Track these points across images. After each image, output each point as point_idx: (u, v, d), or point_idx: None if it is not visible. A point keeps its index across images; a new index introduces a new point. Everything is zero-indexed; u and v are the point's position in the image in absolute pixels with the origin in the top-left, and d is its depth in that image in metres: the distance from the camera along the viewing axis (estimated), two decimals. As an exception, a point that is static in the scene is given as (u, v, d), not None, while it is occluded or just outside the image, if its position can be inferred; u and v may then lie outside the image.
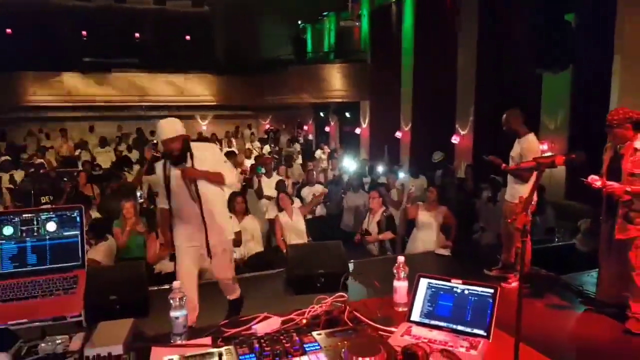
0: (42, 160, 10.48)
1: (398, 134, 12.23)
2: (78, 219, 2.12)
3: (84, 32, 16.67)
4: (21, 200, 6.68)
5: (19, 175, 8.77)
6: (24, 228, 2.12)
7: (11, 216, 2.14)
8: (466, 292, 1.92)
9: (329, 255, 4.65)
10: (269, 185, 7.14)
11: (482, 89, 9.37)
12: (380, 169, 9.84)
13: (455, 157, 10.22)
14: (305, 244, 5.48)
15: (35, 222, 2.13)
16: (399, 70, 12.11)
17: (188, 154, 3.33)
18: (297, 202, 6.24)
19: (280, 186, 6.71)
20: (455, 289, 1.94)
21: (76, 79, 14.96)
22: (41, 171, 8.91)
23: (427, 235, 5.48)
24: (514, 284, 4.05)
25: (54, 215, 2.14)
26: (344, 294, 2.06)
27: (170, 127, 3.30)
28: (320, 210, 7.25)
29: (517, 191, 4.09)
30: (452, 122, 10.27)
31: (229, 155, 9.96)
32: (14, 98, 14.69)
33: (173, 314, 1.85)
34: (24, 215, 2.13)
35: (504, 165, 4.26)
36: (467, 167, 8.62)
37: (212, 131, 15.34)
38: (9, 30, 16.06)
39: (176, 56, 16.17)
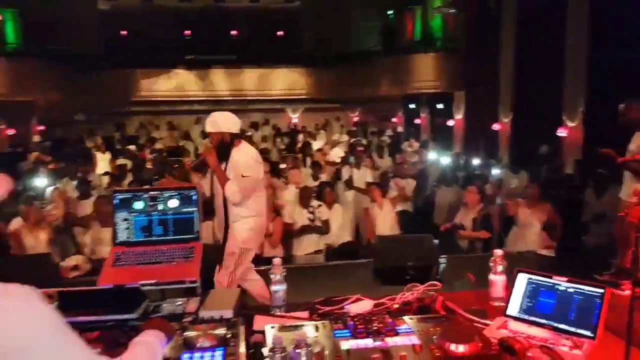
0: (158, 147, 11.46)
1: (496, 126, 11.67)
2: (195, 197, 2.35)
3: (187, 32, 17.86)
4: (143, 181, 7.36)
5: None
6: (151, 204, 2.46)
7: (141, 193, 2.48)
8: (570, 290, 1.82)
9: (419, 248, 4.60)
10: (359, 177, 7.20)
11: (595, 77, 8.58)
12: (475, 162, 9.47)
13: (562, 151, 9.52)
14: (394, 235, 5.47)
15: (160, 199, 2.45)
16: (498, 58, 11.53)
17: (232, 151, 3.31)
18: (391, 193, 6.24)
19: (382, 178, 6.73)
20: (557, 287, 1.84)
21: (181, 75, 16.10)
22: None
23: (527, 234, 5.19)
24: (627, 292, 3.70)
25: (175, 193, 2.46)
26: (436, 282, 2.05)
27: (210, 122, 3.33)
28: (409, 205, 7.15)
29: (635, 188, 3.71)
30: (559, 113, 9.53)
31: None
32: (129, 93, 16.17)
33: (273, 287, 1.96)
34: (151, 193, 2.47)
35: (620, 158, 3.87)
36: (575, 163, 8.00)
37: (302, 123, 15.73)
38: (124, 32, 17.64)
39: (269, 51, 16.73)
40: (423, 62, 14.00)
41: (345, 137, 12.60)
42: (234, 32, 18.08)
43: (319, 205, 5.62)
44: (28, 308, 0.96)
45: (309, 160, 8.80)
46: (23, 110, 14.51)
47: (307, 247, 5.53)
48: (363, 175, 7.25)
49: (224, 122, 3.33)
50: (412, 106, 16.30)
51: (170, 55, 16.23)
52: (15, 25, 15.28)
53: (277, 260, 2.00)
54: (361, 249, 5.88)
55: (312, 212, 5.52)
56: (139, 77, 16.38)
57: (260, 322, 1.81)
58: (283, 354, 1.39)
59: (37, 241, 5.15)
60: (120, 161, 9.56)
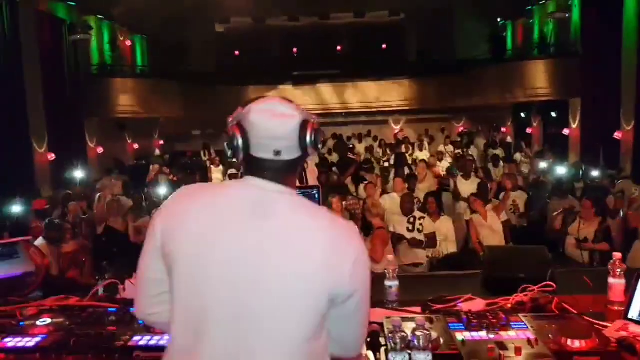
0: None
1: (617, 135, 10.78)
2: (317, 196, 2.52)
3: (294, 49, 18.76)
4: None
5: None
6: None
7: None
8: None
9: (531, 260, 4.45)
10: (467, 187, 7.10)
11: None
12: (595, 173, 8.84)
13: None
14: (504, 246, 5.33)
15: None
16: (619, 63, 10.67)
17: None
18: (490, 205, 6.07)
19: (482, 189, 6.58)
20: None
21: (288, 90, 16.92)
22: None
23: (652, 248, 4.81)
24: None
25: (300, 192, 2.67)
26: (552, 283, 2.06)
27: None
28: (519, 219, 6.88)
29: None
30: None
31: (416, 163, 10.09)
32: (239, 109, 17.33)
33: (387, 283, 2.12)
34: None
35: None
36: None
37: (405, 134, 15.70)
38: (236, 52, 19.00)
39: (373, 65, 16.99)
40: (535, 68, 13.33)
41: (451, 148, 12.39)
42: (338, 48, 18.66)
43: (421, 217, 5.59)
44: (354, 254, 1.18)
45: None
46: (147, 127, 16.23)
47: (404, 257, 5.35)
48: (472, 186, 7.14)
49: None
50: (522, 115, 15.56)
51: (279, 71, 17.14)
52: (143, 49, 17.15)
53: (390, 257, 2.15)
54: (467, 260, 5.79)
55: (412, 222, 5.51)
56: (249, 93, 17.50)
57: (377, 313, 1.96)
58: (402, 335, 1.53)
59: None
60: (232, 171, 10.34)
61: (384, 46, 18.40)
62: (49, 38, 11.81)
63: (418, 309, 2.04)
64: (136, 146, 15.98)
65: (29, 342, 1.69)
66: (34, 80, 11.19)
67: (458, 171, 8.33)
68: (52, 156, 11.71)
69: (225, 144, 1.26)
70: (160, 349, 1.63)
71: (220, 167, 11.54)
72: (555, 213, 5.67)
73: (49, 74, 11.58)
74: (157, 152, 16.86)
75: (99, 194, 7.59)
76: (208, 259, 1.14)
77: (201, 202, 1.21)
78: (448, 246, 5.80)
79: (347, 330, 1.23)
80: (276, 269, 1.13)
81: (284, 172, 1.22)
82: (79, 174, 10.73)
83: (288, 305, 1.12)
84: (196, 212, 1.18)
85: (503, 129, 16.24)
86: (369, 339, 1.72)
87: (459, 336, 1.69)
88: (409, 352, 1.52)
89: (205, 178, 9.73)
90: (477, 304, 2.04)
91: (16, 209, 7.46)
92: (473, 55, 15.85)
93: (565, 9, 11.77)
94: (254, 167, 1.22)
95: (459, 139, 14.38)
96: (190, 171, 10.98)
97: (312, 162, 4.29)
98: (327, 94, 16.53)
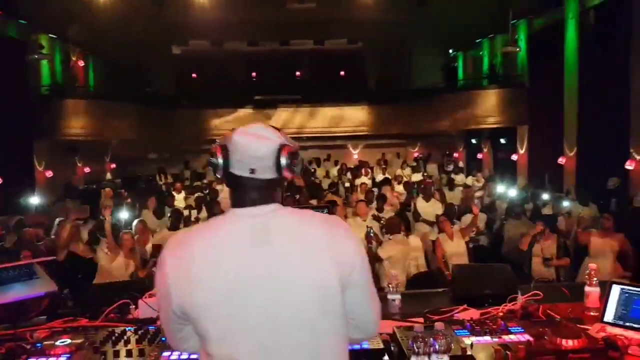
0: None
1: (561, 160, 11.58)
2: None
3: (253, 73, 18.96)
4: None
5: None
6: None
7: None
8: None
9: (497, 277, 4.73)
10: (428, 208, 7.42)
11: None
12: (544, 196, 9.44)
13: (630, 184, 9.37)
14: (471, 264, 5.59)
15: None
16: (561, 93, 11.56)
17: None
18: (456, 226, 6.39)
19: (449, 210, 6.89)
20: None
21: (248, 114, 17.00)
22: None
23: (601, 263, 5.22)
24: None
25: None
26: (539, 292, 2.28)
27: None
28: (480, 238, 7.26)
29: None
30: (626, 146, 9.46)
31: (384, 182, 10.53)
32: (199, 132, 17.20)
33: (390, 296, 2.27)
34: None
35: None
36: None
37: (363, 159, 16.11)
38: (194, 75, 18.96)
39: (332, 91, 17.42)
40: (485, 97, 14.15)
41: (408, 171, 12.84)
42: (298, 73, 19.02)
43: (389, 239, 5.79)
44: (352, 235, 1.34)
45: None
46: (98, 149, 15.78)
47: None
48: (432, 208, 7.46)
49: None
50: (473, 141, 16.35)
51: (238, 95, 17.21)
52: (97, 70, 16.77)
53: (394, 272, 2.30)
54: (437, 279, 6.05)
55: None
56: (208, 116, 17.41)
57: (384, 325, 2.09)
58: (425, 340, 1.69)
59: (126, 268, 5.65)
60: (193, 198, 10.23)
61: (342, 73, 18.95)
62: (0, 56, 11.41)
63: (421, 320, 2.19)
64: (87, 169, 15.47)
65: (54, 361, 1.72)
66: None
67: (418, 193, 8.70)
68: (-1, 180, 11.20)
69: (208, 161, 1.38)
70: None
71: (182, 192, 11.39)
72: (525, 235, 6.01)
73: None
74: (109, 175, 16.40)
75: (58, 219, 7.33)
76: (224, 300, 1.24)
77: (202, 251, 1.27)
78: (418, 265, 6.03)
79: (363, 311, 1.35)
80: (286, 285, 1.24)
81: (262, 193, 1.31)
82: (30, 198, 10.28)
83: (307, 314, 1.25)
84: (199, 264, 1.25)
85: (455, 154, 17.00)
86: (392, 348, 1.85)
87: (467, 340, 1.87)
88: (428, 356, 1.68)
89: (162, 201, 9.48)
90: (472, 314, 2.23)
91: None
92: (428, 83, 16.61)
93: (513, 43, 12.62)
94: (234, 184, 1.34)
95: (414, 164, 14.92)
96: (147, 195, 10.80)
97: None
98: (287, 119, 16.75)
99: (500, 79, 14.86)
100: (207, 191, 10.71)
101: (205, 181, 13.75)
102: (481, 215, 7.48)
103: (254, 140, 1.31)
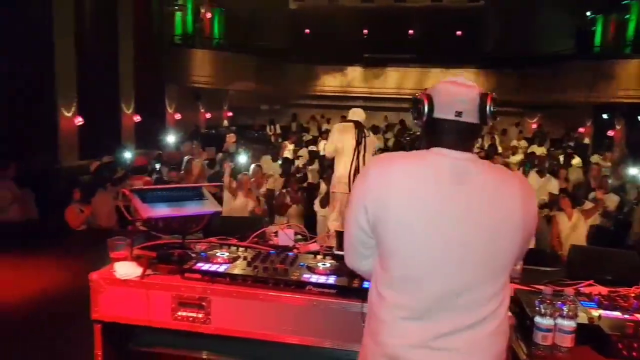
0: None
1: None
2: None
3: (365, 31, 18.75)
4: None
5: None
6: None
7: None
8: None
9: (621, 263, 4.42)
10: (539, 185, 7.14)
11: None
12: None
13: None
14: (591, 247, 5.34)
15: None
16: None
17: None
18: (586, 205, 6.09)
19: (577, 191, 6.62)
20: None
21: (357, 72, 17.03)
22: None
23: None
24: None
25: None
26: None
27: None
28: (605, 220, 6.81)
29: None
30: None
31: (490, 151, 10.07)
32: (306, 87, 17.67)
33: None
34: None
35: None
36: None
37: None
38: (307, 30, 19.22)
39: (446, 52, 16.71)
40: (626, 68, 12.56)
41: (524, 143, 12.21)
42: (410, 32, 18.44)
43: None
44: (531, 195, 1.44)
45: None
46: (217, 98, 16.89)
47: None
48: (545, 185, 7.17)
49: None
50: (604, 117, 14.87)
51: (348, 53, 17.21)
52: (219, 22, 17.70)
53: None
54: (547, 257, 5.89)
55: None
56: (318, 72, 17.74)
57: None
58: (552, 303, 1.79)
59: (245, 207, 6.22)
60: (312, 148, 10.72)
61: (458, 33, 18.03)
62: (141, 7, 12.54)
63: (542, 287, 2.25)
64: (208, 115, 16.72)
65: (218, 268, 2.11)
66: (127, 47, 11.99)
67: (531, 167, 8.34)
68: (137, 118, 12.57)
69: (412, 108, 1.46)
70: (329, 286, 2.01)
71: (293, 144, 11.92)
72: None
73: (139, 40, 12.34)
74: (225, 122, 17.56)
75: (187, 157, 8.18)
76: (419, 223, 1.34)
77: (406, 174, 1.38)
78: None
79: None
80: (478, 224, 1.34)
81: (463, 137, 1.39)
82: (163, 137, 11.47)
83: (492, 254, 1.36)
84: (401, 182, 1.36)
85: (580, 129, 15.65)
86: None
87: (594, 312, 1.90)
88: (554, 319, 1.78)
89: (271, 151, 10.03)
90: (599, 290, 2.20)
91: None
92: (555, 49, 15.29)
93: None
94: (435, 129, 1.41)
95: (530, 136, 14.07)
96: (258, 144, 11.51)
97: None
98: (396, 79, 16.53)
99: (643, 48, 13.17)
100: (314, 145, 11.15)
101: (310, 135, 14.21)
102: (613, 196, 7.01)
103: (458, 86, 1.40)
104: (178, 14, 14.62)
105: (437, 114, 1.40)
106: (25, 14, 7.60)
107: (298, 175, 7.69)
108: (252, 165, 7.71)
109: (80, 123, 9.82)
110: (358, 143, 4.67)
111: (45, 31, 8.49)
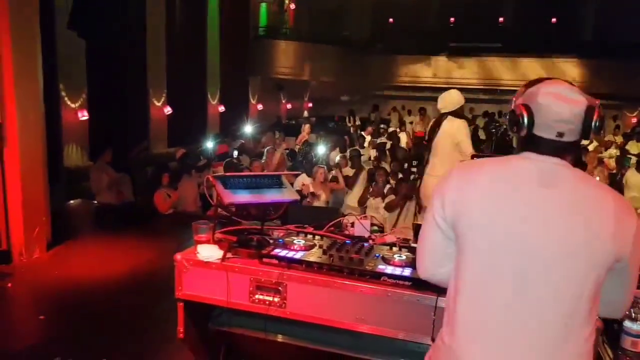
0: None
1: None
2: None
3: (452, 19, 18.15)
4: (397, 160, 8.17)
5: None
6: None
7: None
8: None
9: None
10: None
11: None
12: None
13: None
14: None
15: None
16: None
17: None
18: None
19: None
20: None
21: (442, 62, 16.53)
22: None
23: None
24: None
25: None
26: None
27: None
28: None
29: None
30: None
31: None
32: (388, 78, 17.45)
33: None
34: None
35: None
36: None
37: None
38: (391, 20, 18.94)
39: (539, 40, 15.79)
40: None
41: (620, 139, 11.30)
42: (501, 19, 17.61)
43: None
44: (635, 216, 1.27)
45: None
46: (300, 88, 17.14)
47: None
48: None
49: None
50: None
51: (433, 42, 16.76)
52: (303, 13, 17.88)
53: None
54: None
55: None
56: (400, 63, 17.45)
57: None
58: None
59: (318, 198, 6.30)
60: (381, 139, 10.63)
61: (554, 20, 16.91)
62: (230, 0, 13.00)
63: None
64: (289, 106, 17.04)
65: (295, 254, 2.16)
66: (214, 39, 12.51)
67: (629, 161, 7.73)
68: (222, 108, 13.11)
69: (508, 119, 1.39)
70: (404, 278, 1.99)
71: (369, 135, 11.88)
72: None
73: (225, 32, 12.82)
74: (305, 113, 17.81)
75: (268, 147, 8.43)
76: (500, 227, 1.27)
77: (489, 176, 1.33)
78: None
79: (618, 296, 1.35)
80: (564, 233, 1.24)
81: (561, 152, 1.31)
82: (246, 127, 11.89)
83: (572, 268, 1.23)
84: (485, 186, 1.31)
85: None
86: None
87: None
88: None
89: (350, 143, 10.03)
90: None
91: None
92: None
93: None
94: (532, 144, 1.33)
95: (628, 131, 12.94)
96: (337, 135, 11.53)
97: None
98: (483, 69, 15.86)
99: None
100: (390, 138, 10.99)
101: (389, 127, 14.03)
102: None
103: (563, 102, 1.28)
104: (264, 6, 15.00)
105: (537, 131, 1.32)
106: (120, 8, 8.13)
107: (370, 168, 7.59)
108: (338, 157, 7.77)
109: (169, 112, 10.42)
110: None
111: (138, 25, 9.07)
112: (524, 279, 1.26)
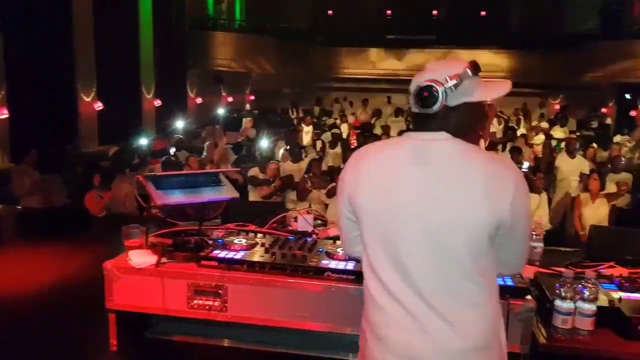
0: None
1: None
2: None
3: (388, 11, 18.41)
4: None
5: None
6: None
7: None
8: None
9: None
10: (570, 166, 6.94)
11: None
12: None
13: None
14: (611, 227, 5.23)
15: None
16: None
17: None
18: (609, 187, 5.95)
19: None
20: None
21: (380, 54, 16.75)
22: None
23: None
24: None
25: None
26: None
27: None
28: (624, 201, 6.66)
29: None
30: None
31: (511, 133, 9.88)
32: (330, 70, 17.47)
33: (532, 244, 2.30)
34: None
35: None
36: None
37: (500, 108, 15.17)
38: (330, 12, 18.96)
39: (471, 32, 16.36)
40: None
41: (545, 125, 11.93)
42: (435, 12, 18.08)
43: None
44: (516, 176, 1.33)
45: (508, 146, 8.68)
46: (241, 81, 16.83)
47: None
48: (577, 166, 6.97)
49: None
50: (627, 96, 14.49)
51: (371, 34, 16.94)
52: (242, 4, 17.55)
53: (538, 220, 2.30)
54: (567, 237, 5.81)
55: None
56: (340, 54, 17.51)
57: (525, 270, 2.12)
58: (572, 286, 1.73)
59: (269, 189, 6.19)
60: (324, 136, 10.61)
61: (483, 13, 17.59)
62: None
63: (562, 269, 2.19)
64: (230, 99, 16.68)
65: (235, 255, 2.07)
66: (147, 30, 11.99)
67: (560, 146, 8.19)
68: (158, 102, 12.62)
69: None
70: (348, 272, 1.96)
71: (310, 126, 11.83)
72: None
73: (160, 24, 12.32)
74: (247, 106, 17.51)
75: (208, 142, 8.16)
76: (382, 207, 1.36)
77: (373, 160, 1.42)
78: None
79: (511, 255, 1.39)
80: (440, 206, 1.30)
81: (433, 121, 1.35)
82: (182, 122, 11.50)
83: (459, 234, 1.29)
84: (369, 168, 1.40)
85: (603, 110, 15.25)
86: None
87: (614, 295, 1.86)
88: (574, 302, 1.72)
89: (293, 135, 9.94)
90: (620, 272, 2.17)
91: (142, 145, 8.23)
92: (582, 28, 14.84)
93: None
94: (414, 122, 1.43)
95: (552, 117, 13.73)
96: (279, 128, 11.42)
97: None
98: (420, 60, 16.20)
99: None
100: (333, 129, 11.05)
101: (331, 119, 14.08)
102: (625, 175, 6.84)
103: (418, 76, 1.39)
104: (199, -4, 14.55)
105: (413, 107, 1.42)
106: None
107: (316, 159, 7.56)
108: (281, 150, 7.66)
109: (100, 108, 9.88)
110: None
111: (63, 13, 8.51)
112: (409, 254, 1.33)
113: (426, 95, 1.33)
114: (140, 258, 2.04)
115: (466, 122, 1.38)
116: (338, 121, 13.14)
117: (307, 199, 6.19)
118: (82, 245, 4.68)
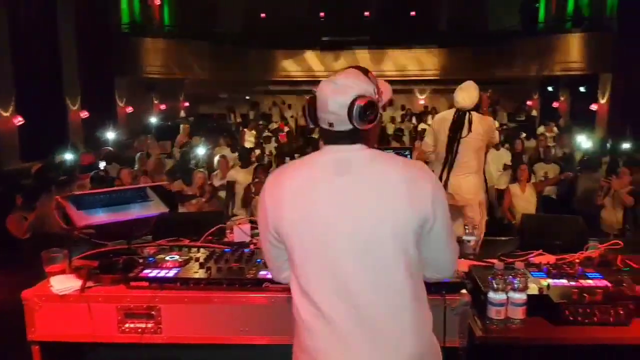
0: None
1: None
2: (409, 157, 2.51)
3: (322, 14, 18.54)
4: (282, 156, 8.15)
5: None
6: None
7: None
8: None
9: (568, 228, 4.65)
10: (497, 157, 7.26)
11: None
12: (624, 147, 8.92)
13: None
14: (541, 215, 5.53)
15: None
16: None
17: None
18: (537, 176, 6.29)
19: (517, 159, 6.77)
20: None
21: (315, 56, 16.84)
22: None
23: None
24: None
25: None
26: (619, 241, 2.28)
27: None
28: (550, 190, 7.07)
29: None
30: None
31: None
32: (266, 73, 17.34)
33: (466, 237, 2.36)
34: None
35: None
36: None
37: (432, 105, 15.71)
38: (263, 15, 18.81)
39: (402, 32, 16.79)
40: (568, 42, 13.23)
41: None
42: (367, 13, 18.40)
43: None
44: (431, 179, 1.39)
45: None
46: (172, 88, 16.35)
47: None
48: (501, 157, 7.30)
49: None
50: (549, 89, 15.47)
51: (306, 36, 16.98)
52: (170, 8, 17.05)
53: (471, 213, 2.38)
54: (499, 227, 6.06)
55: None
56: (276, 57, 17.43)
57: (460, 264, 2.17)
58: (503, 278, 1.79)
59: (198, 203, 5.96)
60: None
61: (412, 13, 18.13)
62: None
63: (495, 261, 2.27)
64: (163, 107, 16.15)
65: (168, 273, 1.97)
66: (68, 36, 11.35)
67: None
68: (85, 114, 11.99)
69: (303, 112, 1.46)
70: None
71: (253, 131, 11.68)
72: (602, 190, 5.82)
73: (83, 30, 11.70)
74: (182, 113, 17.05)
75: (139, 153, 7.84)
76: (307, 223, 1.34)
77: (293, 178, 1.40)
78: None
79: (439, 254, 1.42)
80: (364, 214, 1.31)
81: (348, 138, 1.36)
82: (112, 133, 10.99)
83: (379, 244, 1.31)
84: (290, 188, 1.37)
85: (528, 102, 16.17)
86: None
87: (543, 282, 1.94)
88: (506, 293, 1.78)
89: (233, 140, 9.79)
90: (547, 259, 2.27)
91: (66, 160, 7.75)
92: (504, 26, 15.65)
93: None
94: (323, 135, 1.41)
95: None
96: (218, 133, 11.19)
97: None
98: (354, 61, 16.45)
99: (587, 22, 13.74)
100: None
101: (270, 123, 13.97)
102: (554, 166, 7.26)
103: (330, 93, 1.34)
104: (124, 1, 13.95)
105: (319, 123, 1.39)
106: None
107: (263, 164, 7.46)
108: (216, 157, 7.46)
109: (21, 122, 9.26)
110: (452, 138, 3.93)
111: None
112: (338, 266, 1.32)
113: (369, 112, 1.33)
114: (63, 284, 1.91)
115: (373, 128, 1.40)
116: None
117: (252, 205, 6.08)
118: (4, 270, 4.35)
